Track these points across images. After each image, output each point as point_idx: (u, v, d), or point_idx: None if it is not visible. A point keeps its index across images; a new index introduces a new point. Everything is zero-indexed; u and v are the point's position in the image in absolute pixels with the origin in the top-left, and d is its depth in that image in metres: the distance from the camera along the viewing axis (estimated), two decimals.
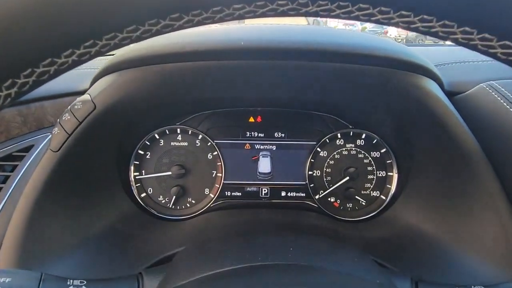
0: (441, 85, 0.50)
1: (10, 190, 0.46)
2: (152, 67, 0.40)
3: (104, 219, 0.53)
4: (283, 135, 0.65)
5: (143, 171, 0.63)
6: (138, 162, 0.62)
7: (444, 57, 0.66)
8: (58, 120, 0.45)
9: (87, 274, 0.38)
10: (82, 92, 0.51)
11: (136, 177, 0.62)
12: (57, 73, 0.18)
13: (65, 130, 0.44)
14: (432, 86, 0.47)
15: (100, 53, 0.18)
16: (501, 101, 0.53)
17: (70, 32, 0.16)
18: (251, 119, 0.65)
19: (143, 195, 0.62)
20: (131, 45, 0.44)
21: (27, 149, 0.53)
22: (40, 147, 0.53)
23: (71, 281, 0.33)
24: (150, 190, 0.63)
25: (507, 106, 0.52)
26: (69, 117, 0.44)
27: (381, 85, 0.45)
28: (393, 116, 0.57)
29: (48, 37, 0.16)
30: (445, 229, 0.53)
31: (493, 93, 0.54)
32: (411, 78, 0.44)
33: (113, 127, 0.49)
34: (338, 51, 0.40)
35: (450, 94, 0.56)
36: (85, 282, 0.33)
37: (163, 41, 0.41)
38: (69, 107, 0.44)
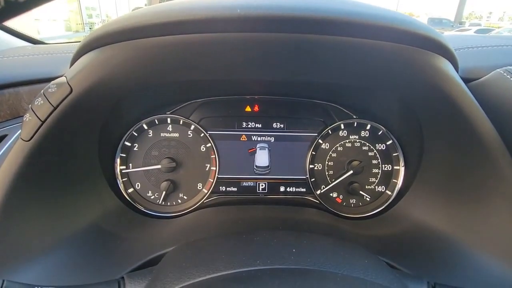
0: (456, 67, 0.46)
1: None
2: (135, 41, 0.35)
3: (85, 217, 0.48)
4: (282, 125, 0.61)
5: (130, 165, 0.58)
6: (124, 155, 0.57)
7: (456, 42, 0.61)
8: (30, 105, 0.39)
9: (61, 280, 0.33)
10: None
11: (123, 171, 0.57)
12: None
13: (37, 117, 0.39)
14: (449, 68, 0.42)
15: None
16: None
17: None
18: (248, 109, 0.60)
19: (130, 190, 0.57)
20: (112, 19, 0.39)
21: (0, 139, 0.48)
22: (14, 137, 0.48)
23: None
24: (138, 185, 0.58)
25: None
26: (42, 102, 0.38)
27: (393, 63, 0.40)
28: (403, 103, 0.53)
29: None
30: (458, 226, 0.48)
31: (510, 78, 0.50)
32: (428, 57, 0.39)
33: (94, 114, 0.44)
34: (344, 20, 0.35)
35: (465, 81, 0.51)
36: None
37: (147, 12, 0.35)
38: (42, 91, 0.39)
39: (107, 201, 0.53)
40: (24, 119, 0.40)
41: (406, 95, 0.49)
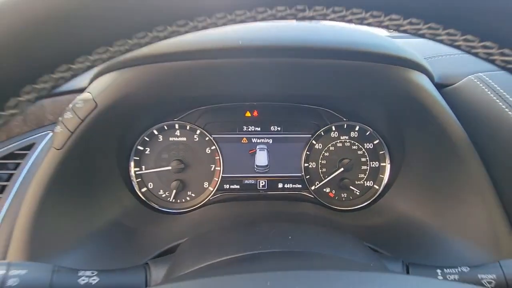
0: (431, 77, 0.52)
1: (16, 187, 0.47)
2: (151, 65, 0.42)
3: (108, 214, 0.55)
4: (279, 128, 0.67)
5: (143, 167, 0.64)
6: (138, 158, 0.63)
7: (433, 49, 0.68)
8: (60, 118, 0.46)
9: (96, 266, 0.39)
10: (80, 90, 0.52)
11: (137, 173, 0.63)
12: (72, 78, 0.19)
13: (67, 129, 0.45)
14: (421, 79, 0.49)
15: (111, 58, 0.19)
16: (489, 92, 0.55)
17: (84, 40, 0.17)
18: (248, 114, 0.66)
19: (143, 189, 0.64)
20: None
21: (29, 147, 0.54)
22: (42, 145, 0.54)
23: (83, 272, 0.34)
24: (150, 185, 0.64)
25: (494, 98, 0.54)
26: (71, 116, 0.45)
27: (373, 79, 0.46)
28: (385, 109, 0.59)
29: (63, 45, 0.17)
30: (435, 215, 0.55)
31: (481, 84, 0.56)
32: (402, 72, 0.46)
33: (113, 124, 0.50)
34: (330, 48, 0.41)
35: (440, 86, 0.58)
36: (96, 273, 0.34)
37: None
38: (70, 106, 0.45)
39: (125, 200, 0.59)
40: (55, 130, 0.46)
41: (387, 103, 0.56)
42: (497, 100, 0.53)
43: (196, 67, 0.42)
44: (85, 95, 0.45)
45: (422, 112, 0.51)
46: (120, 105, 0.46)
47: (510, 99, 0.52)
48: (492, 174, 0.51)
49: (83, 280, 0.34)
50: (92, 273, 0.34)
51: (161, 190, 0.65)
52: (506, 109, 0.52)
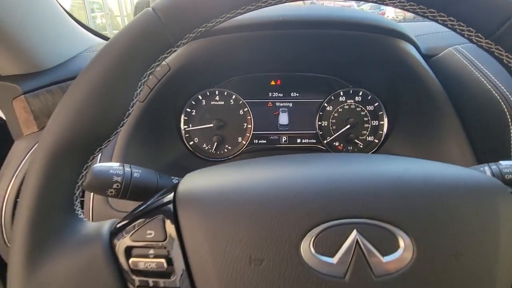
0: (417, 48, 0.68)
1: None
2: (212, 37, 0.58)
3: (168, 157, 0.72)
4: (297, 94, 0.83)
5: (190, 125, 0.81)
6: (186, 118, 0.80)
7: (425, 29, 0.83)
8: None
9: None
10: None
11: (186, 129, 0.80)
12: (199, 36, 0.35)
13: (148, 86, 0.61)
14: (410, 48, 0.65)
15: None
16: (465, 62, 0.70)
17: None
18: (273, 82, 0.83)
19: (191, 143, 0.81)
20: None
21: None
22: None
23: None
24: (196, 140, 0.81)
25: (470, 66, 0.70)
26: (151, 77, 0.61)
27: (370, 47, 0.62)
28: (383, 75, 0.75)
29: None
30: (423, 155, 0.71)
31: (458, 55, 0.72)
32: (394, 42, 0.62)
33: (177, 86, 0.67)
34: (334, 20, 0.57)
35: (426, 57, 0.73)
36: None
37: None
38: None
39: (179, 148, 0.76)
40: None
41: (383, 70, 0.72)
42: (470, 67, 0.69)
43: (243, 39, 0.58)
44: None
45: (411, 75, 0.67)
46: (185, 70, 0.62)
47: (479, 65, 0.68)
48: (463, 122, 0.67)
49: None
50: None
51: (204, 144, 0.82)
52: (477, 73, 0.67)
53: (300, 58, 0.77)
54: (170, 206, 0.32)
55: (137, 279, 0.29)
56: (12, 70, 0.63)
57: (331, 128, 0.83)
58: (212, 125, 0.80)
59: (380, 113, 0.83)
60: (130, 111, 0.32)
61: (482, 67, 0.67)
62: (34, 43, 0.63)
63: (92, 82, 0.29)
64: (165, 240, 0.29)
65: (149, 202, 0.34)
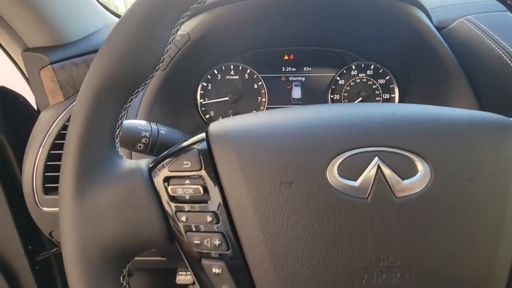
0: (429, 17, 0.69)
1: None
2: (230, 6, 0.60)
3: (187, 128, 0.75)
4: (310, 69, 0.85)
5: (206, 98, 0.83)
6: (202, 92, 0.83)
7: (435, 3, 0.84)
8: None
9: None
10: None
11: (202, 102, 0.83)
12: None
13: (169, 56, 0.64)
14: (421, 15, 0.66)
15: None
16: (476, 31, 0.72)
17: None
18: (286, 57, 0.85)
19: (207, 116, 0.83)
20: None
21: None
22: None
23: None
24: (212, 113, 0.84)
25: (481, 35, 0.71)
26: (172, 46, 0.64)
27: (382, 16, 0.64)
28: (394, 47, 0.77)
29: None
30: None
31: (469, 25, 0.73)
32: (404, 8, 0.63)
33: (195, 56, 0.69)
34: None
35: (438, 29, 0.75)
36: None
37: None
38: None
39: (196, 120, 0.79)
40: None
41: (395, 39, 0.73)
42: (482, 35, 0.70)
43: (258, 9, 0.60)
44: (182, 32, 0.64)
45: (423, 44, 0.69)
46: (204, 40, 0.65)
47: (491, 33, 0.69)
48: (475, 90, 0.69)
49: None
50: None
51: (220, 117, 0.84)
52: (488, 41, 0.68)
53: (312, 32, 0.79)
54: (204, 142, 0.34)
55: (174, 205, 0.32)
56: (39, 42, 0.66)
57: (343, 101, 0.85)
58: (227, 98, 0.82)
59: (391, 86, 0.84)
60: (164, 56, 0.35)
61: (494, 35, 0.68)
62: (60, 17, 0.66)
63: (133, 26, 0.31)
64: (200, 169, 0.32)
65: (181, 143, 0.37)
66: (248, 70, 0.83)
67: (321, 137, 0.31)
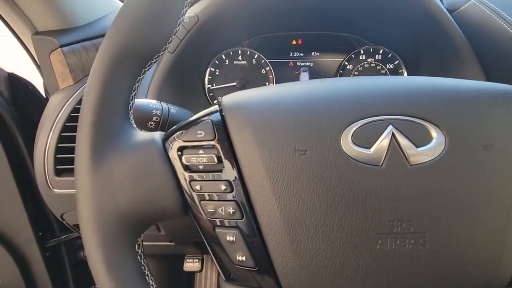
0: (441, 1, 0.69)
1: None
2: None
3: (195, 112, 0.75)
4: (318, 54, 0.85)
5: (214, 83, 0.83)
6: (210, 77, 0.83)
7: None
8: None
9: None
10: None
11: (209, 88, 0.83)
12: None
13: (178, 38, 0.64)
14: None
15: None
16: (488, 12, 0.71)
17: None
18: (294, 42, 0.84)
19: (215, 101, 0.83)
20: None
21: None
22: None
23: None
24: (219, 98, 0.84)
25: (493, 15, 0.70)
26: (181, 28, 0.64)
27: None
28: (404, 30, 0.76)
29: None
30: None
31: (481, 6, 0.72)
32: None
33: (203, 39, 0.70)
34: None
35: (449, 11, 0.74)
36: None
37: None
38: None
39: (204, 106, 0.79)
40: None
41: (405, 22, 0.73)
42: (493, 16, 0.69)
43: None
44: (190, 14, 0.64)
45: (434, 25, 0.68)
46: (212, 22, 0.65)
47: (504, 14, 0.68)
48: (486, 72, 0.68)
49: None
50: None
51: None
52: (500, 22, 0.68)
53: (320, 16, 0.79)
54: (217, 113, 0.34)
55: (188, 174, 0.32)
56: (48, 26, 0.66)
57: None
58: (235, 83, 0.82)
59: (400, 71, 0.83)
60: (177, 28, 0.35)
61: (506, 15, 0.67)
62: (69, 1, 0.66)
63: None
64: (214, 138, 0.32)
65: (194, 116, 0.37)
66: (256, 55, 0.83)
67: (335, 106, 0.31)
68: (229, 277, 0.33)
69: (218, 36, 0.76)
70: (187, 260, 0.94)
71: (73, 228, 0.75)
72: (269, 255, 0.30)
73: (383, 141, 0.30)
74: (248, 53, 0.83)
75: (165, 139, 0.34)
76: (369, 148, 0.30)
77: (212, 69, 0.83)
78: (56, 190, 0.65)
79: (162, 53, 0.35)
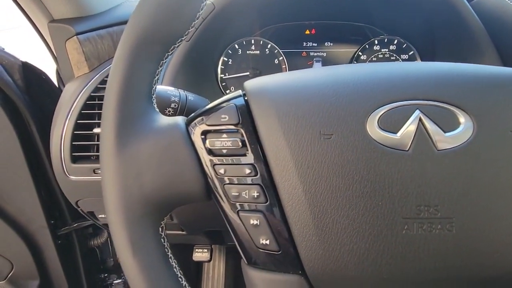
0: None
1: None
2: None
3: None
4: (331, 44, 0.84)
5: (227, 73, 0.83)
6: (223, 67, 0.83)
7: None
8: None
9: None
10: None
11: (222, 77, 0.83)
12: None
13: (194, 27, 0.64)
14: None
15: None
16: (507, 0, 0.69)
17: None
18: (307, 32, 0.84)
19: (227, 91, 0.83)
20: None
21: None
22: None
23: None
24: (232, 88, 0.84)
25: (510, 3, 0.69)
26: (198, 16, 0.63)
27: None
28: (420, 19, 0.75)
29: None
30: None
31: None
32: None
33: (218, 27, 0.69)
34: None
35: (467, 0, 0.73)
36: None
37: None
38: None
39: (217, 96, 0.79)
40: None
41: (422, 11, 0.71)
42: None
43: None
44: (207, 2, 0.64)
45: (452, 14, 0.67)
46: (228, 10, 0.64)
47: None
48: (504, 62, 0.67)
49: None
50: None
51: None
52: None
53: (334, 5, 0.78)
54: (240, 98, 0.34)
55: (212, 158, 0.32)
56: (64, 14, 0.66)
57: None
58: (248, 73, 0.82)
59: (414, 61, 0.83)
60: (200, 13, 0.35)
61: None
62: None
63: None
64: (238, 122, 0.32)
65: (216, 101, 0.37)
66: (269, 45, 0.82)
67: (361, 90, 0.31)
68: (251, 260, 0.33)
69: (232, 25, 0.76)
70: (196, 250, 0.95)
71: (87, 215, 0.76)
72: (293, 239, 0.30)
73: (410, 126, 0.29)
74: (261, 42, 0.82)
75: (188, 123, 0.34)
76: (395, 133, 0.30)
77: (225, 59, 0.82)
78: (72, 177, 0.66)
79: (184, 37, 0.35)
